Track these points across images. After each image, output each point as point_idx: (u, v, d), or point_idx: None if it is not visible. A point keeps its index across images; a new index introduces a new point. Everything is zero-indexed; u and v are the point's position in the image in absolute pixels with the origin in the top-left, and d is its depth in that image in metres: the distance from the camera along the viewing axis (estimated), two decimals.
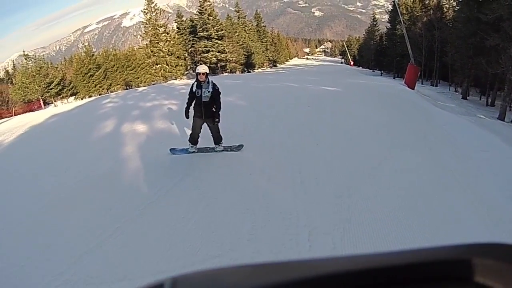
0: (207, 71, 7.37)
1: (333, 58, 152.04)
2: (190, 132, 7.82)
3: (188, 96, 7.59)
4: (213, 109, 7.48)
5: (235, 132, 9.46)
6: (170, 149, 8.16)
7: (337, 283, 0.38)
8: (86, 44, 43.75)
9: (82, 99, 39.74)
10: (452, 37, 35.09)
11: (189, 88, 7.54)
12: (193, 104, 7.58)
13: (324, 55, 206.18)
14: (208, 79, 7.33)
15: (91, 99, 34.62)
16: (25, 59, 38.73)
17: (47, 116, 20.40)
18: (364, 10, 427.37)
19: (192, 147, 7.93)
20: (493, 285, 0.39)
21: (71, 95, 41.80)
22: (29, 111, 35.42)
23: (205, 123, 7.70)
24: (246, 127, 10.14)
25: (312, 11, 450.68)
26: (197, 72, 7.26)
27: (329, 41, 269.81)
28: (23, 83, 38.03)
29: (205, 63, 47.71)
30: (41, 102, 38.61)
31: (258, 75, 44.83)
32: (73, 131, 13.33)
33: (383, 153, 7.91)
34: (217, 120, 7.55)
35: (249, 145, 8.44)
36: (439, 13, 42.04)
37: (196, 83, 7.30)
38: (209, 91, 7.27)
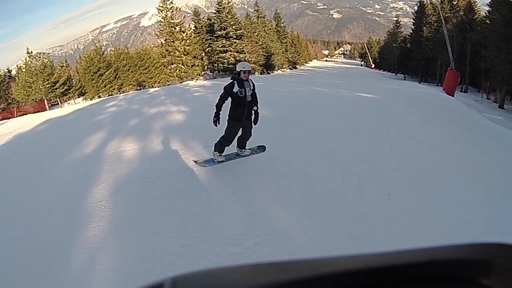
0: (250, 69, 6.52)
1: (352, 61, 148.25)
2: (223, 138, 6.69)
3: (220, 98, 6.44)
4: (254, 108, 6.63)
5: (259, 169, 6.69)
6: (196, 162, 7.05)
7: (337, 283, 0.38)
8: (96, 41, 41.05)
9: (91, 99, 37.71)
10: (489, 40, 31.91)
11: (224, 89, 6.39)
12: (223, 106, 6.53)
13: (343, 57, 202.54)
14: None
15: (97, 100, 32.53)
16: (28, 57, 36.13)
17: (39, 122, 18.60)
18: (382, 13, 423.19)
19: (220, 155, 6.91)
20: (493, 285, 0.39)
21: (79, 96, 39.49)
22: (38, 111, 33.43)
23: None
24: (276, 158, 7.14)
25: (331, 13, 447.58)
26: (241, 70, 6.31)
27: (348, 43, 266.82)
28: (26, 82, 35.62)
29: (222, 64, 46.42)
30: (45, 102, 36.07)
31: (279, 77, 41.85)
32: (49, 149, 10.84)
33: (495, 216, 5.00)
34: (257, 118, 6.70)
35: (284, 199, 5.54)
36: (470, 14, 38.94)
37: (236, 82, 6.34)
38: (251, 89, 6.47)
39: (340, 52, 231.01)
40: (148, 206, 5.42)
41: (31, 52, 36.28)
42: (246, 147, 7.13)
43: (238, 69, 6.35)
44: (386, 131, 9.07)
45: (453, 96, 19.66)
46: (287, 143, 8.11)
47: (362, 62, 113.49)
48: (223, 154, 6.94)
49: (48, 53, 39.22)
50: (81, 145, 9.94)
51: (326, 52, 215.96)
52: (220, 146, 6.76)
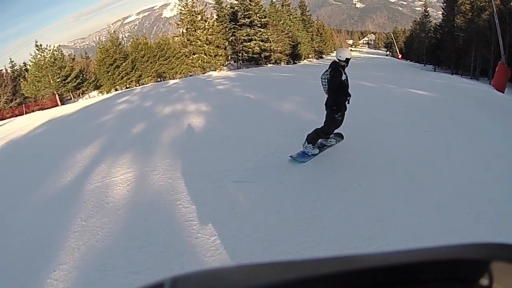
0: None
1: (377, 51, 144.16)
2: (321, 130, 5.89)
3: (335, 91, 5.70)
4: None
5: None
6: (291, 156, 6.04)
7: (337, 283, 0.38)
8: (112, 32, 38.59)
9: (107, 92, 35.48)
10: None
11: (335, 79, 5.63)
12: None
13: (368, 47, 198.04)
14: None
15: (111, 95, 30.20)
16: (37, 50, 33.43)
17: (40, 123, 16.46)
18: (405, 3, 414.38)
19: (313, 148, 6.07)
20: (493, 285, 0.39)
21: (95, 89, 37.14)
22: (55, 106, 31.89)
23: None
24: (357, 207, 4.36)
25: (354, 2, 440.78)
26: (351, 57, 5.79)
27: (372, 33, 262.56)
28: (36, 76, 33.02)
29: (247, 53, 44.31)
30: (57, 97, 33.71)
31: (308, 67, 38.56)
32: (23, 173, 7.95)
33: None
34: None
35: None
36: (509, 4, 35.50)
37: (341, 70, 5.68)
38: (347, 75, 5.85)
39: (364, 42, 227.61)
40: None
41: (40, 45, 33.73)
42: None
43: (348, 56, 5.75)
44: (479, 153, 6.07)
45: (503, 92, 17.52)
46: (361, 174, 5.26)
47: (388, 52, 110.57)
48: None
49: (58, 45, 36.58)
50: (62, 168, 7.17)
51: (350, 41, 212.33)
52: (315, 139, 6.07)
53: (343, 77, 5.66)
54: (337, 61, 5.69)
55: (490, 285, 0.39)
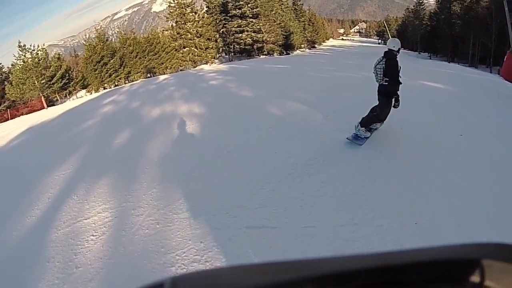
0: None
1: (369, 39, 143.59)
2: (375, 116, 6.16)
3: (395, 80, 5.93)
4: None
5: None
6: (348, 139, 6.33)
7: (336, 283, 0.38)
8: (99, 29, 37.08)
9: (95, 91, 34.13)
10: None
11: (393, 68, 5.90)
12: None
13: (359, 35, 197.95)
14: None
15: (97, 94, 28.68)
16: (20, 50, 31.81)
17: (18, 132, 14.84)
18: None
19: (365, 131, 6.33)
20: (491, 285, 0.39)
21: (83, 88, 35.66)
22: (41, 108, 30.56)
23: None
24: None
25: None
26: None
27: (363, 21, 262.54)
28: (20, 79, 31.48)
29: (239, 44, 43.36)
30: (43, 100, 31.97)
31: (303, 58, 37.52)
32: None
33: None
34: None
35: None
36: None
37: (395, 58, 5.98)
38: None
39: (356, 30, 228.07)
40: None
41: (24, 46, 32.12)
42: None
43: (399, 46, 5.96)
44: None
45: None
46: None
47: (380, 41, 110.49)
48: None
49: (43, 44, 34.86)
50: (27, 201, 5.77)
51: (342, 30, 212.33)
52: (369, 123, 6.22)
53: (399, 65, 5.93)
54: (390, 50, 5.89)
55: (489, 285, 0.39)
